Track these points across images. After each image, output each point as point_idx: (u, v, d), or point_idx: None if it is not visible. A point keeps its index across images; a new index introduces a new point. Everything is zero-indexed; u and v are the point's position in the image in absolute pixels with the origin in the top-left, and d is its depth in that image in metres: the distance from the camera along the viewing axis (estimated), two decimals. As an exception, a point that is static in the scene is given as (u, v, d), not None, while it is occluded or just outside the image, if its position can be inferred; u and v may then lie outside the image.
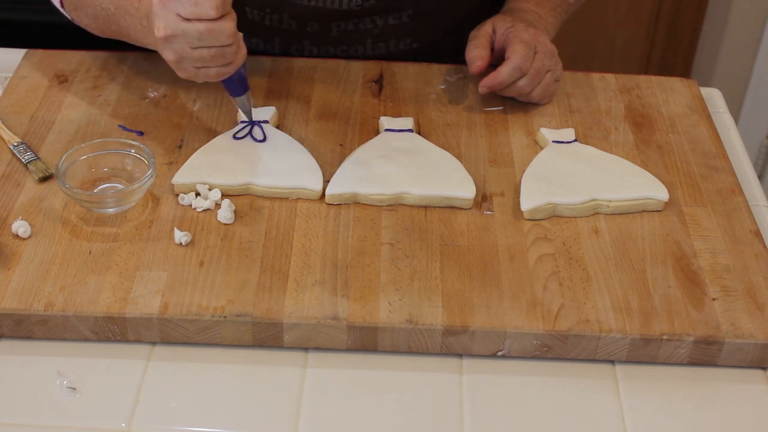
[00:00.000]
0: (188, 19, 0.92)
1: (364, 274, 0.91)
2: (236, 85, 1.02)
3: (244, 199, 0.99)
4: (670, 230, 0.98)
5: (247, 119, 1.07)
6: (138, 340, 0.89)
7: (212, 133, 1.07)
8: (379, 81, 1.17)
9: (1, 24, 2.01)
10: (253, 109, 1.09)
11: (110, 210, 0.97)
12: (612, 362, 0.89)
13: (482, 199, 1.01)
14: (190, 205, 0.98)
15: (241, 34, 0.97)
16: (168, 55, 0.96)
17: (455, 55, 1.20)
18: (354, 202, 0.99)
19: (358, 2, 1.18)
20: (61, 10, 1.13)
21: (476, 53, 1.12)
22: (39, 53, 1.20)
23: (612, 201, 0.99)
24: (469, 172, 1.02)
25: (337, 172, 1.01)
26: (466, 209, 0.99)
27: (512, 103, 1.14)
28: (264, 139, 1.05)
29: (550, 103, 1.15)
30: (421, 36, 1.25)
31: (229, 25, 0.93)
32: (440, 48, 1.26)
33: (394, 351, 0.89)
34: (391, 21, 1.21)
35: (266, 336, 0.88)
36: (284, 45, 1.24)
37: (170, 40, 0.94)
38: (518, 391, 0.86)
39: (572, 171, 1.03)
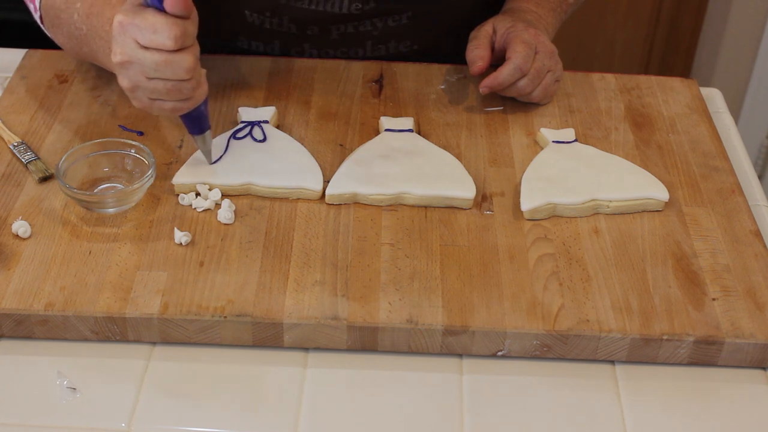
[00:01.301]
0: (146, 47, 0.89)
1: (364, 274, 0.91)
2: (195, 122, 0.98)
3: (244, 199, 0.99)
4: (670, 230, 0.98)
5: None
6: (138, 340, 0.89)
7: (212, 133, 1.07)
8: (379, 81, 1.17)
9: (1, 24, 2.01)
10: (253, 109, 1.08)
11: (110, 210, 0.97)
12: (612, 362, 0.89)
13: (482, 199, 1.01)
14: (190, 205, 0.98)
15: (203, 71, 0.93)
16: (123, 82, 0.92)
17: (455, 57, 1.20)
18: (354, 202, 0.99)
19: (357, 5, 1.17)
20: (42, 26, 1.11)
21: (477, 54, 1.12)
22: (39, 53, 1.20)
23: (612, 201, 0.99)
24: (469, 172, 1.02)
25: (337, 172, 1.01)
26: (466, 209, 0.99)
27: (512, 103, 1.14)
28: (264, 139, 1.05)
29: (550, 103, 1.15)
30: (420, 38, 1.24)
31: (189, 58, 0.89)
32: (440, 49, 1.26)
33: (394, 351, 0.89)
34: (390, 23, 1.21)
35: (266, 336, 0.88)
36: (284, 48, 1.23)
37: (126, 67, 0.90)
38: (518, 391, 0.86)
39: (572, 171, 1.03)
